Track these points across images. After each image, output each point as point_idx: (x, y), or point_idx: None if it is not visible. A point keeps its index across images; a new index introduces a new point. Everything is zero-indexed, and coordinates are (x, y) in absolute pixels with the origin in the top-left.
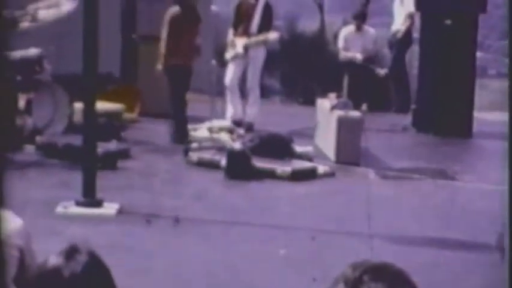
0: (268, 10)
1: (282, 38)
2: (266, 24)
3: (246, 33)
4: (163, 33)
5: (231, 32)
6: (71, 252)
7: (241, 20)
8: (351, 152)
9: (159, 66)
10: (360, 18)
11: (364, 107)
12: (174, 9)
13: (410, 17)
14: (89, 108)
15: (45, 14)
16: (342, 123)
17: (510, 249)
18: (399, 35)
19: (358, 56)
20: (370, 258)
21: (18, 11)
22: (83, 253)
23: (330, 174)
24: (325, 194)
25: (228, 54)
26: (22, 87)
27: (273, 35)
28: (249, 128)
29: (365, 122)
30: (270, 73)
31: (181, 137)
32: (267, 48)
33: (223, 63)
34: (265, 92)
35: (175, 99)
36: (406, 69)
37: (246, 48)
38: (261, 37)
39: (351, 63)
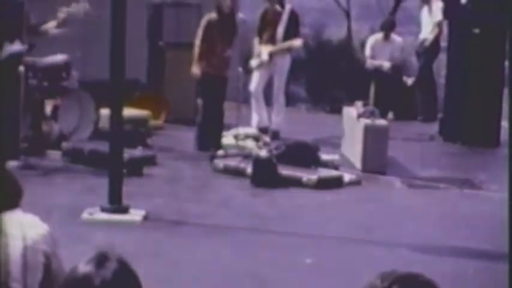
0: (293, 17)
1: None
2: (292, 32)
3: (272, 40)
4: (197, 39)
5: (256, 39)
6: (101, 260)
7: (266, 28)
8: (377, 160)
9: (195, 70)
10: (388, 27)
11: (390, 115)
12: (212, 15)
13: (439, 25)
14: (116, 115)
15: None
16: (368, 131)
17: (510, 250)
18: (427, 43)
19: (386, 64)
20: (397, 267)
21: (44, 18)
22: (113, 260)
23: (356, 183)
24: (352, 203)
25: (253, 62)
26: (49, 93)
27: (297, 42)
28: (275, 135)
29: (392, 131)
30: (296, 81)
31: (207, 144)
32: (293, 55)
33: (249, 71)
34: (291, 100)
35: (204, 107)
36: (434, 78)
37: (271, 55)
38: (285, 44)
39: (377, 72)
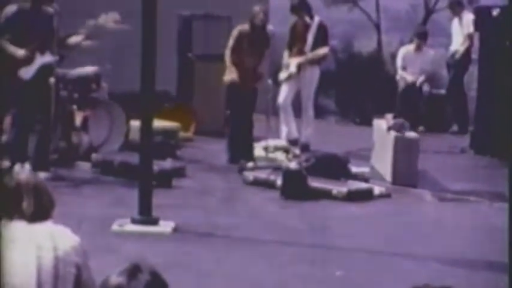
0: (322, 29)
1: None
2: (320, 44)
3: (301, 53)
4: (227, 49)
5: (286, 52)
6: (133, 271)
7: (296, 40)
8: (407, 173)
9: (229, 78)
10: (422, 37)
11: (421, 128)
12: (244, 26)
13: (470, 37)
14: (146, 127)
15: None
16: (398, 144)
17: (510, 253)
18: (458, 55)
19: (411, 79)
20: (428, 281)
21: (73, 30)
22: (145, 272)
23: (386, 196)
24: (382, 215)
25: (282, 75)
26: (79, 104)
27: (322, 50)
28: (305, 148)
29: (422, 143)
30: (325, 93)
31: (236, 156)
32: (322, 67)
33: (278, 83)
34: (320, 112)
35: (232, 118)
36: (464, 90)
37: (299, 67)
38: (311, 54)
39: (408, 84)
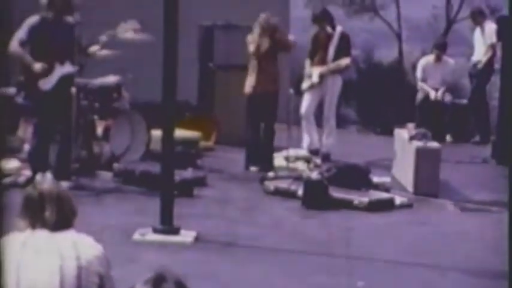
0: (344, 39)
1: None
2: (343, 54)
3: (323, 62)
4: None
5: (308, 62)
6: (158, 281)
7: (318, 50)
8: (429, 183)
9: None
10: (441, 48)
11: (448, 138)
12: (254, 34)
13: (492, 47)
14: (168, 136)
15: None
16: (420, 154)
17: (510, 254)
18: (480, 65)
19: (432, 94)
20: None
21: (95, 39)
22: (170, 281)
23: (407, 206)
24: (403, 225)
25: (304, 84)
26: (100, 114)
27: (344, 61)
28: (326, 157)
29: (444, 153)
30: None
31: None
32: (343, 77)
33: (300, 93)
34: (341, 122)
35: (249, 126)
36: (487, 100)
37: (322, 77)
38: (333, 65)
39: (426, 95)
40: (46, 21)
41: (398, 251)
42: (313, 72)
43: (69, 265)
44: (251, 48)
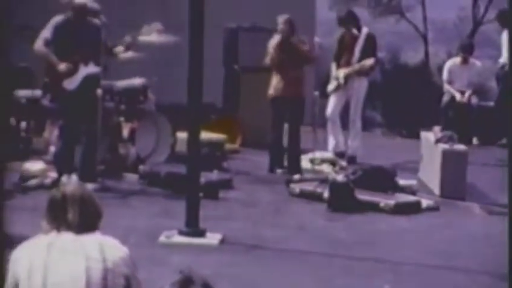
0: (370, 41)
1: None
2: (368, 55)
3: (348, 64)
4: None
5: (333, 64)
6: (185, 283)
7: (343, 52)
8: (455, 186)
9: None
10: (467, 51)
11: (475, 140)
12: (276, 37)
13: None
14: (194, 138)
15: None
16: (447, 156)
17: (510, 254)
18: (507, 67)
19: (459, 96)
20: None
21: (120, 40)
22: (198, 284)
23: (434, 209)
24: (430, 228)
25: (330, 86)
26: (126, 116)
27: (368, 62)
28: (352, 160)
29: (471, 156)
30: (371, 105)
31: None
32: (369, 79)
33: (325, 95)
34: (366, 124)
35: (274, 130)
36: None
37: (347, 79)
38: (358, 65)
39: (454, 97)
40: (71, 22)
41: (425, 254)
42: (339, 74)
43: (95, 267)
44: (267, 60)
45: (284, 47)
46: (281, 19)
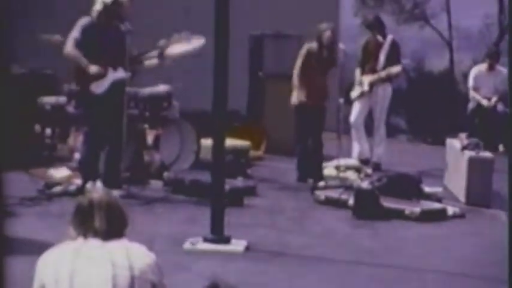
0: (394, 47)
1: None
2: (393, 62)
3: (373, 71)
4: (296, 68)
5: (358, 70)
6: None
7: (368, 58)
8: (481, 193)
9: (294, 100)
10: (494, 57)
11: (501, 148)
12: (312, 45)
13: None
14: (218, 146)
15: (173, 49)
16: (472, 164)
17: (509, 253)
18: None
19: (485, 102)
20: None
21: (146, 49)
22: None
23: (460, 216)
24: (455, 236)
25: (354, 93)
26: (150, 123)
27: (395, 69)
28: (377, 167)
29: (497, 163)
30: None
31: (306, 175)
32: (393, 86)
33: (350, 101)
34: (391, 131)
35: (299, 137)
36: None
37: (372, 85)
38: (383, 73)
39: (480, 104)
40: (97, 25)
41: (450, 262)
42: (364, 81)
43: (122, 274)
44: (298, 65)
45: (321, 55)
46: (325, 26)
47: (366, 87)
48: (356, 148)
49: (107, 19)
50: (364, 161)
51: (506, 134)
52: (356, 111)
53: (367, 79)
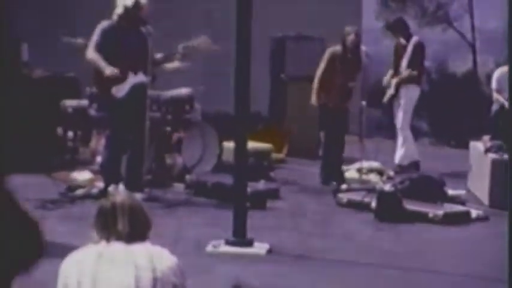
0: (417, 49)
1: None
2: (413, 64)
3: (398, 73)
4: (319, 70)
5: (389, 72)
6: None
7: (396, 61)
8: (505, 196)
9: (313, 102)
10: None
11: None
12: (336, 48)
13: None
14: (241, 148)
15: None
16: (496, 166)
17: (509, 254)
18: None
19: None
20: None
21: (167, 52)
22: None
23: (483, 219)
24: (479, 239)
25: (385, 97)
26: (172, 126)
27: (407, 71)
28: (401, 169)
29: None
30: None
31: (330, 178)
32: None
33: (372, 104)
34: (413, 134)
35: (324, 139)
36: None
37: (397, 88)
38: (404, 74)
39: (504, 106)
40: (118, 28)
41: (474, 265)
42: (391, 84)
43: (144, 277)
44: (322, 67)
45: (345, 58)
46: (350, 29)
47: (392, 91)
48: (404, 152)
49: (128, 22)
50: (413, 165)
51: (506, 134)
52: (396, 116)
53: (393, 82)
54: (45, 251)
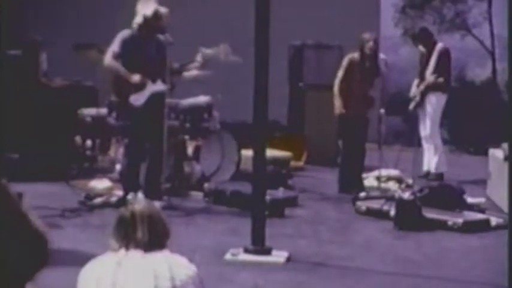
0: (441, 57)
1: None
2: (438, 71)
3: (423, 81)
4: (337, 78)
5: (415, 81)
6: None
7: (422, 70)
8: None
9: (337, 111)
10: None
11: None
12: (354, 55)
13: None
14: (259, 156)
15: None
16: None
17: (509, 254)
18: None
19: None
20: None
21: (186, 61)
22: None
23: (503, 227)
24: (499, 247)
25: (411, 105)
26: (191, 134)
27: (439, 77)
28: (437, 177)
29: None
30: None
31: (349, 186)
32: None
33: (391, 112)
34: None
35: (343, 147)
36: None
37: (422, 96)
38: (427, 81)
39: None
40: (138, 37)
41: (494, 274)
42: (416, 92)
43: (163, 285)
44: (336, 85)
45: (364, 65)
46: (368, 36)
47: (417, 98)
48: (432, 160)
49: (147, 32)
50: (439, 176)
51: (506, 134)
52: (422, 123)
53: (418, 90)
54: (51, 260)
